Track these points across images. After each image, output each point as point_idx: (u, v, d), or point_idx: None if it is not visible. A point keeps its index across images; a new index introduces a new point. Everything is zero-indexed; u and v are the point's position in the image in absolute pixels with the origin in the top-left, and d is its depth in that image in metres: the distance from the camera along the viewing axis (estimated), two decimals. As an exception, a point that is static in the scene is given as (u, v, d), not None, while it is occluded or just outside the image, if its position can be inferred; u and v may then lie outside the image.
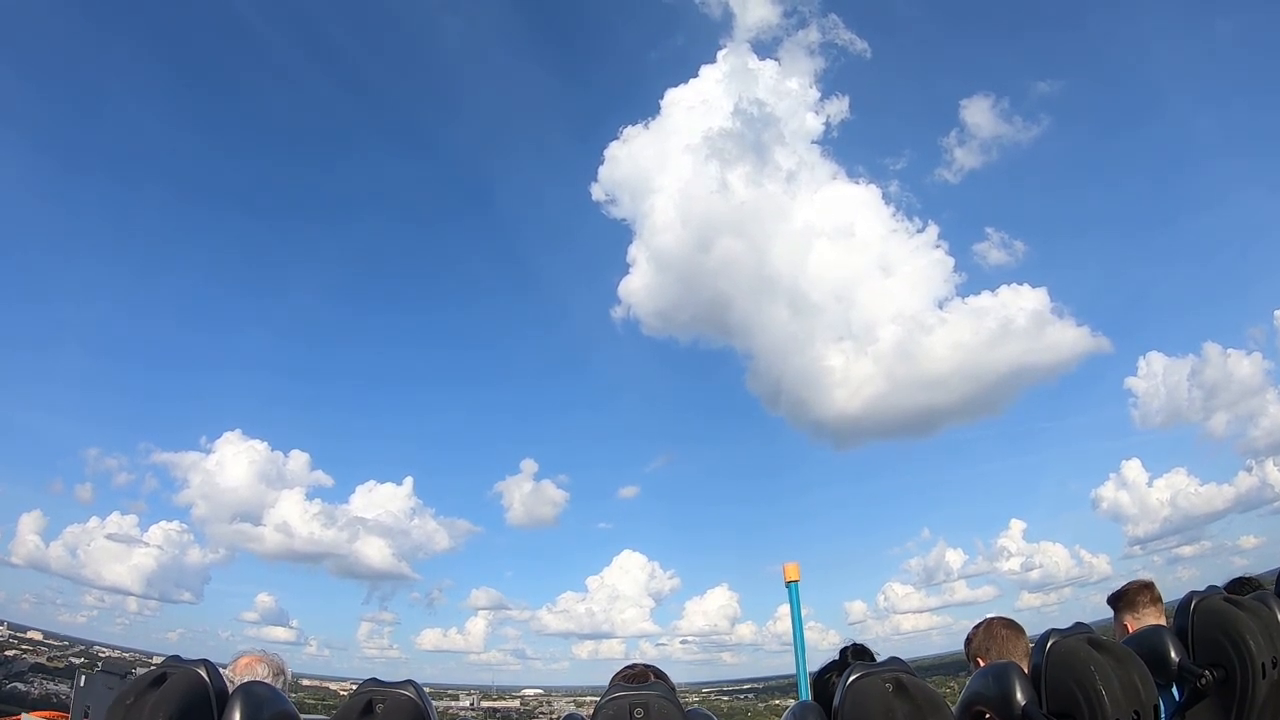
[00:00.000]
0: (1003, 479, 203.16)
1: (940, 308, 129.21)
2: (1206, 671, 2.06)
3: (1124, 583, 3.55)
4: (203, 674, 1.76)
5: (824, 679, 2.47)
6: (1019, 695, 1.83)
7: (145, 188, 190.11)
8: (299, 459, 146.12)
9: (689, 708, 1.76)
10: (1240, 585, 2.62)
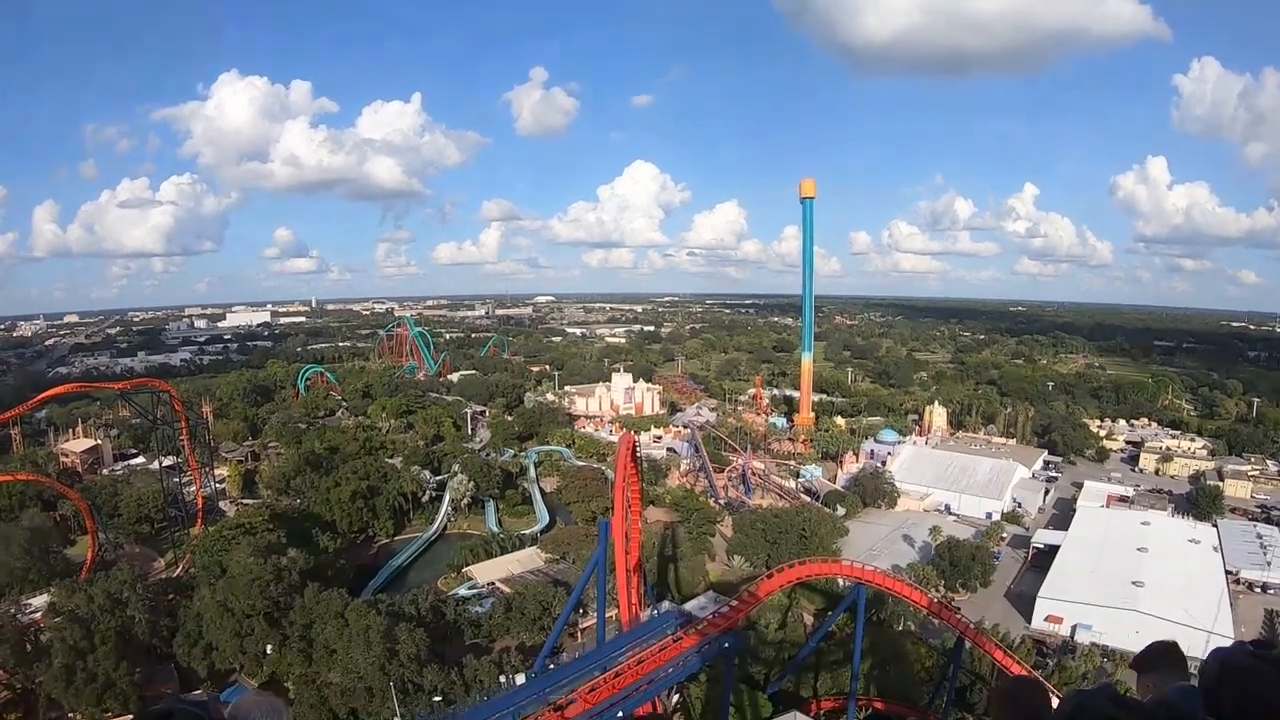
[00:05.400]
0: (1025, 140, 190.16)
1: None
2: None
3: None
4: (206, 712, 1.97)
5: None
6: None
7: None
8: (300, 89, 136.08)
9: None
10: (1266, 644, 2.76)
